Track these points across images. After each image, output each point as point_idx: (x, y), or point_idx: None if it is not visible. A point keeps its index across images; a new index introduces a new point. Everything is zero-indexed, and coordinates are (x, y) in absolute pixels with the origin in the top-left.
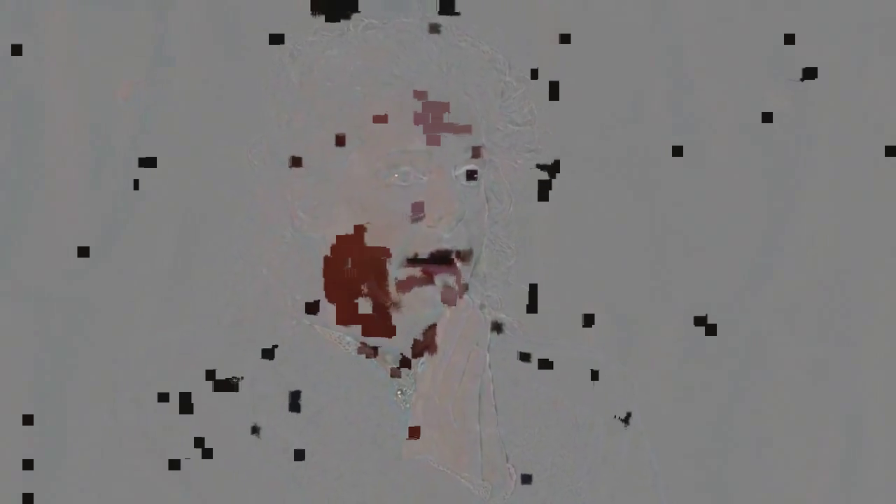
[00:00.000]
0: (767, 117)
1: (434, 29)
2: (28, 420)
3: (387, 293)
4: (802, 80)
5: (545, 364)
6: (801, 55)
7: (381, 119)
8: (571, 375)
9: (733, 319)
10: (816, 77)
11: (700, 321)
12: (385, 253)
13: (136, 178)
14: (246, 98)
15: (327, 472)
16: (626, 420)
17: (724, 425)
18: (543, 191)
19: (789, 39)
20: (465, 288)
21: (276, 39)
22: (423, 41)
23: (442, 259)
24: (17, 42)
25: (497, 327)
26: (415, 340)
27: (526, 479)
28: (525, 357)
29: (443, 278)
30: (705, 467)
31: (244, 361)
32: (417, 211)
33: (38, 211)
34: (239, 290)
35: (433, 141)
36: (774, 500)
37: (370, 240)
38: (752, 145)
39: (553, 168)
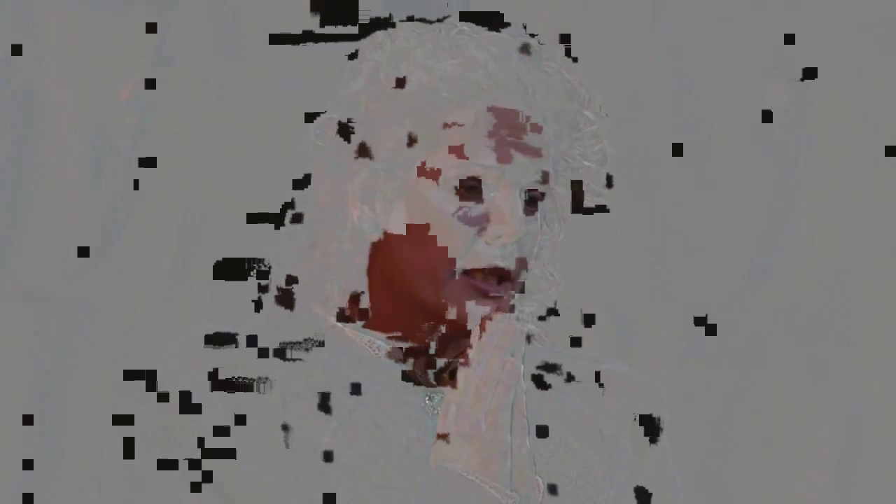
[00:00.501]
0: (767, 117)
1: (525, 49)
2: (28, 420)
3: (439, 298)
4: (803, 79)
5: (571, 375)
6: (802, 55)
7: (460, 127)
8: (597, 386)
9: (733, 319)
10: (816, 77)
11: (700, 321)
12: (444, 258)
13: (136, 178)
14: (246, 98)
15: (355, 474)
16: (653, 434)
17: (723, 425)
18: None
19: (789, 39)
20: (512, 309)
21: (276, 39)
22: (514, 58)
23: (494, 276)
24: (17, 42)
25: (527, 338)
26: (449, 350)
27: (552, 489)
28: (551, 367)
29: (497, 296)
30: (705, 467)
31: (275, 359)
32: (480, 224)
33: (38, 211)
34: (288, 271)
35: (505, 159)
36: (774, 500)
37: (427, 244)
38: (752, 145)
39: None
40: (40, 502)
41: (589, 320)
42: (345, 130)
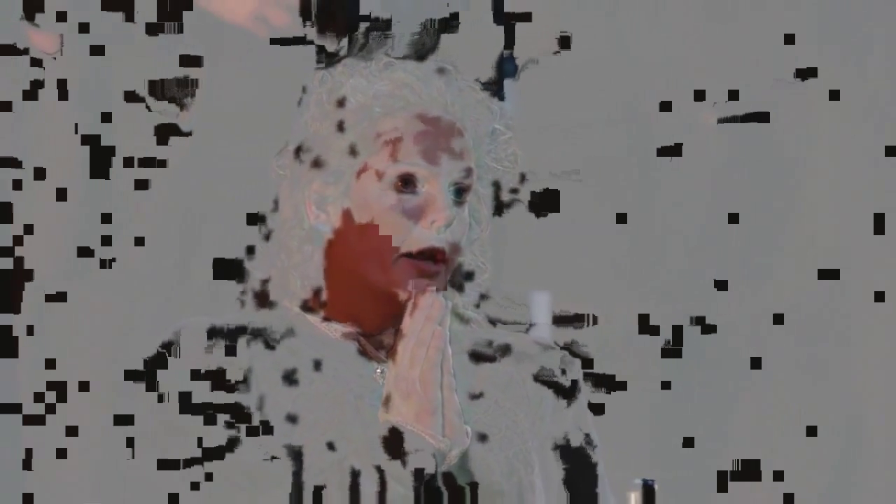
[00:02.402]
0: (765, 117)
1: (442, 71)
2: (28, 420)
3: (387, 280)
4: (803, 79)
5: (503, 348)
6: (801, 55)
7: (393, 134)
8: (525, 357)
9: (733, 319)
10: (817, 76)
11: (700, 321)
12: (389, 246)
13: (136, 178)
14: (246, 98)
15: (315, 432)
16: (570, 398)
17: (723, 425)
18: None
19: (789, 39)
20: (445, 287)
21: (277, 40)
22: (434, 78)
23: (431, 256)
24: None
25: (465, 320)
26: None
27: (483, 437)
28: (486, 343)
29: (435, 272)
30: (705, 467)
31: (254, 344)
32: (416, 213)
33: (38, 211)
34: (263, 273)
35: (433, 159)
36: (773, 500)
37: (373, 235)
38: (751, 145)
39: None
40: (40, 502)
41: (589, 319)
42: (298, 152)
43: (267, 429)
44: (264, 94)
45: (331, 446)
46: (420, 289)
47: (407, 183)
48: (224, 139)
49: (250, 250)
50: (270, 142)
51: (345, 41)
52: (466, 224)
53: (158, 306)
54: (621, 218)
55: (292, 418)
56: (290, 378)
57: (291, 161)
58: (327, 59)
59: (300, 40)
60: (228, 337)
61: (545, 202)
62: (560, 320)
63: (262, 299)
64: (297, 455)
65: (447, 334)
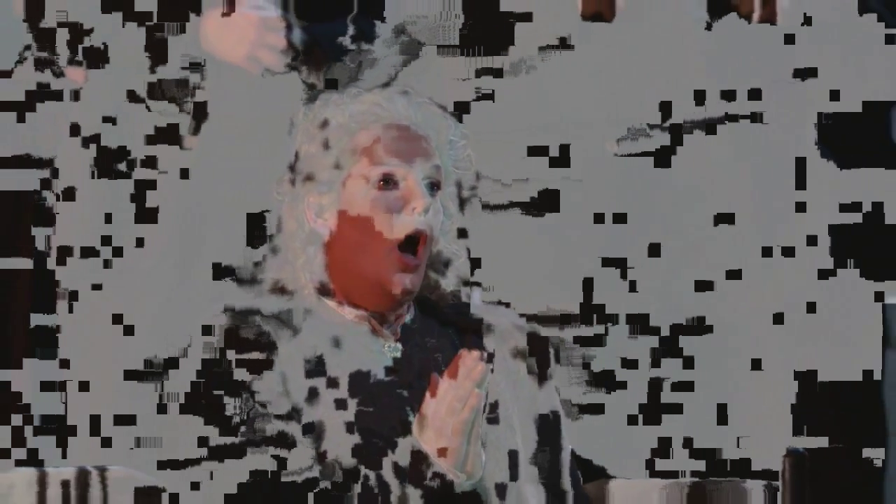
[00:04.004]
0: (759, 117)
1: (405, 92)
2: (29, 420)
3: (381, 270)
4: (803, 80)
5: (489, 328)
6: (801, 56)
7: (369, 143)
8: (509, 336)
9: (733, 319)
10: (817, 77)
11: (700, 321)
12: (380, 238)
13: (136, 178)
14: (245, 99)
15: (329, 399)
16: (542, 376)
17: (722, 425)
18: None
19: (789, 39)
20: (422, 275)
21: (267, 74)
22: (397, 97)
23: (415, 242)
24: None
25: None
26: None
27: (494, 420)
28: (476, 321)
29: (416, 265)
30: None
31: (281, 326)
32: (398, 204)
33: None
34: (276, 274)
35: (407, 159)
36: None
37: (364, 230)
38: (752, 145)
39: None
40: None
41: (589, 318)
42: (293, 172)
43: (293, 404)
44: (256, 116)
45: (341, 412)
46: (402, 282)
47: (388, 181)
48: (223, 151)
49: (261, 259)
50: (262, 152)
51: (323, 74)
52: (440, 212)
53: (159, 306)
54: (619, 217)
55: (312, 391)
56: (314, 356)
57: (288, 186)
58: (308, 91)
59: (286, 74)
60: (261, 318)
61: (545, 203)
62: (548, 320)
63: (280, 293)
64: (319, 428)
65: (484, 397)
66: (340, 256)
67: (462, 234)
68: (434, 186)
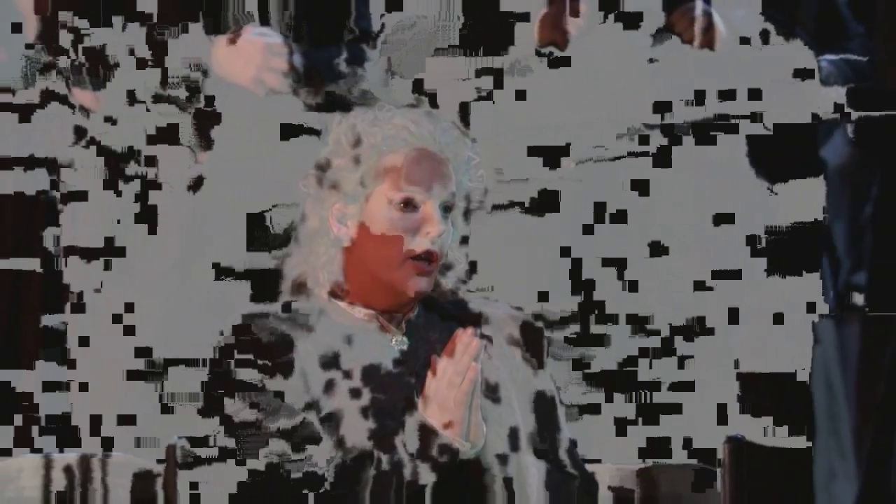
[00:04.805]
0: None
1: (430, 114)
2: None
3: (396, 276)
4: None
5: (485, 318)
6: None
7: (395, 165)
8: (504, 325)
9: (732, 320)
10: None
11: (700, 321)
12: (398, 251)
13: (137, 178)
14: (246, 99)
15: (344, 389)
16: (538, 363)
17: (721, 424)
18: None
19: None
20: (434, 281)
21: (272, 94)
22: (425, 120)
23: (428, 257)
24: None
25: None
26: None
27: (496, 400)
28: (474, 314)
29: (429, 272)
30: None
31: (299, 325)
32: (416, 226)
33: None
34: (298, 270)
35: (427, 186)
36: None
37: (384, 243)
38: (751, 145)
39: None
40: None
41: (589, 318)
42: (320, 180)
43: (312, 397)
44: (261, 132)
45: (354, 398)
46: (417, 286)
47: (407, 204)
48: (231, 161)
49: (285, 255)
50: (265, 162)
51: (322, 95)
52: (451, 233)
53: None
54: (619, 217)
55: (329, 384)
56: (328, 352)
57: (314, 183)
58: (308, 109)
59: (288, 95)
60: (277, 320)
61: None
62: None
63: (299, 289)
64: (336, 416)
65: (480, 369)
66: (359, 261)
67: (464, 240)
68: (448, 209)
